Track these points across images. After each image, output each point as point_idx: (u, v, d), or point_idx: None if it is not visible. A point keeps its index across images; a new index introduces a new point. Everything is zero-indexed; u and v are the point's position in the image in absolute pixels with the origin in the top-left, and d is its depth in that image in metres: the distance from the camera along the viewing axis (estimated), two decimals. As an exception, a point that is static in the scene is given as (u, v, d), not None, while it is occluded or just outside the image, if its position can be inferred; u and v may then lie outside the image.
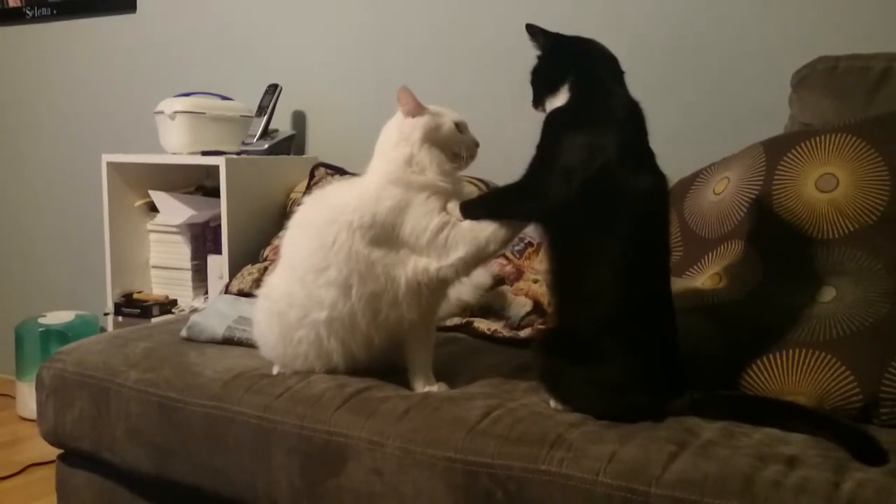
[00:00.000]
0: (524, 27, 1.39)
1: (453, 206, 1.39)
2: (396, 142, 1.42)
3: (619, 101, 1.32)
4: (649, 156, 1.32)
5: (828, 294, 1.36)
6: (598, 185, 1.26)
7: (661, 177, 1.31)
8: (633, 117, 1.32)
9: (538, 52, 1.40)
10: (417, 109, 1.42)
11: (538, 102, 1.39)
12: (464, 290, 1.80)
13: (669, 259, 1.35)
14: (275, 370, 1.53)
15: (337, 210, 1.41)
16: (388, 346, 1.47)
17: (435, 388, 1.44)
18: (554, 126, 1.33)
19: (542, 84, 1.38)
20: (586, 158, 1.26)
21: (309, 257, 1.43)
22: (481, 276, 1.83)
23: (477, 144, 1.45)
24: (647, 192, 1.28)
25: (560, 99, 1.34)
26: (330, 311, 1.41)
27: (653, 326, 1.29)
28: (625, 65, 1.36)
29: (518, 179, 1.34)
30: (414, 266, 1.38)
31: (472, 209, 1.38)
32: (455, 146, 1.43)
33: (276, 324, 1.49)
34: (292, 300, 1.45)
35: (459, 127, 1.44)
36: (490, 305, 1.81)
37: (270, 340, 1.52)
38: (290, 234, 1.51)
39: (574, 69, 1.34)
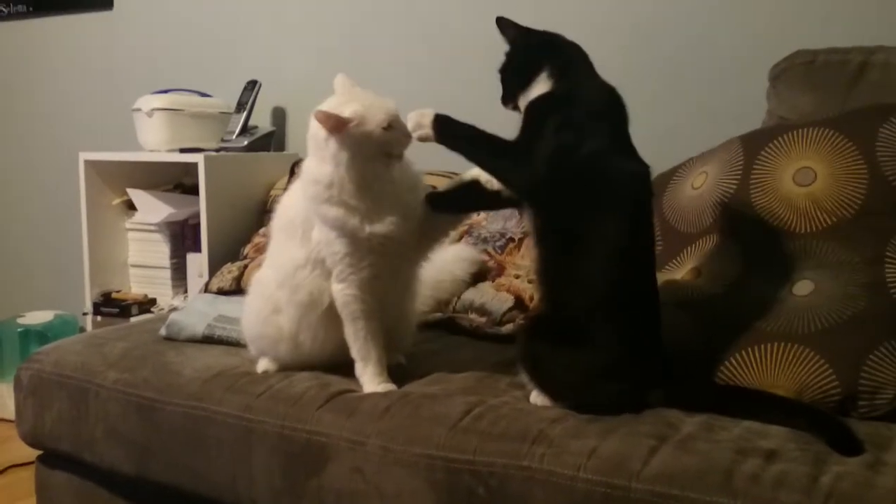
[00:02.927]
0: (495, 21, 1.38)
1: (423, 116, 1.32)
2: (322, 158, 1.37)
3: (599, 89, 1.34)
4: (631, 144, 1.33)
5: (806, 287, 1.36)
6: (589, 170, 1.27)
7: (645, 166, 1.32)
8: (616, 105, 1.33)
9: (508, 47, 1.39)
10: (340, 125, 1.32)
11: (509, 99, 1.38)
12: (456, 266, 1.82)
13: (654, 247, 1.36)
14: (259, 367, 1.52)
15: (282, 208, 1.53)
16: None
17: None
18: (541, 110, 1.32)
19: (515, 77, 1.37)
20: (575, 143, 1.27)
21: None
22: (469, 252, 1.86)
23: (408, 136, 1.36)
24: (636, 177, 1.29)
25: (539, 88, 1.33)
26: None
27: (639, 313, 1.29)
28: (602, 58, 1.36)
29: (508, 140, 1.31)
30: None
31: (448, 132, 1.33)
32: (386, 147, 1.36)
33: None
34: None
35: (390, 124, 1.35)
36: (471, 301, 1.81)
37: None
38: None
39: (551, 58, 1.34)
